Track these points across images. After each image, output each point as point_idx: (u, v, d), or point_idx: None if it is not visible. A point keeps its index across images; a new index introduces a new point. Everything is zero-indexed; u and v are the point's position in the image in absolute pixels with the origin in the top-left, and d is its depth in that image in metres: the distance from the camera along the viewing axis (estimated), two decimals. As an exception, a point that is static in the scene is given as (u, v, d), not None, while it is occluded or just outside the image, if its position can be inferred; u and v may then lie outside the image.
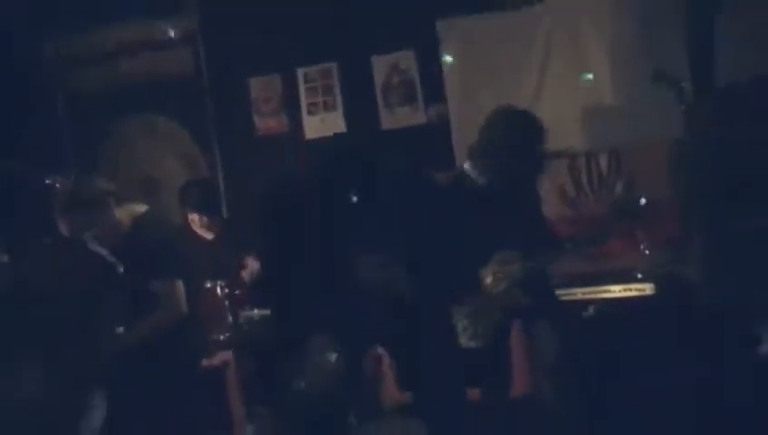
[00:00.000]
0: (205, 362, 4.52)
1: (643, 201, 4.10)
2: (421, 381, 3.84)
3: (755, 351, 4.25)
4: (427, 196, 3.98)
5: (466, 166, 3.96)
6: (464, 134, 5.20)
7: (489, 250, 3.89)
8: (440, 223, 3.84)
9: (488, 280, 3.91)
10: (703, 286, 4.56)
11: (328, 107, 5.80)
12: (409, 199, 4.04)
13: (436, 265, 3.68)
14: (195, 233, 5.06)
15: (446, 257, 3.83)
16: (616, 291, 4.66)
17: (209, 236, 5.05)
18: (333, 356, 4.06)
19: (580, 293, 4.64)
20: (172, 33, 6.00)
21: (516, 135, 3.82)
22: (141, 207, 4.20)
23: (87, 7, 5.76)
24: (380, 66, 5.67)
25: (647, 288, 4.65)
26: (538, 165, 3.96)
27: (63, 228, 4.00)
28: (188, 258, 4.32)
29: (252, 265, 5.13)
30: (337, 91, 5.79)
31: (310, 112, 5.85)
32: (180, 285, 4.04)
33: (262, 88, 5.91)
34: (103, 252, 4.13)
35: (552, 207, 5.03)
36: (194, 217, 5.03)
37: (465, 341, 3.94)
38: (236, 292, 4.87)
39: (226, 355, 4.73)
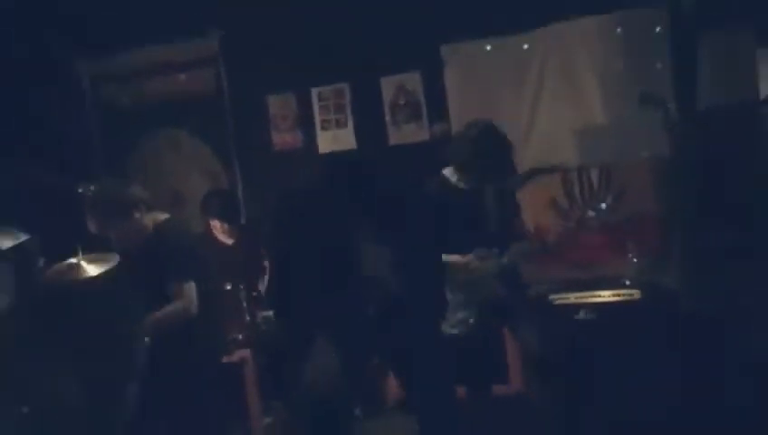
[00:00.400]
0: (224, 359, 4.62)
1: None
2: (413, 378, 3.92)
3: (729, 354, 4.34)
4: (417, 199, 4.15)
5: (446, 171, 4.26)
6: None
7: (468, 246, 4.15)
8: (428, 223, 4.02)
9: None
10: (681, 294, 4.76)
11: (340, 124, 5.96)
12: (404, 204, 4.11)
13: (426, 261, 3.89)
14: (216, 238, 5.17)
15: (435, 254, 4.05)
16: (606, 296, 4.77)
17: (229, 241, 5.16)
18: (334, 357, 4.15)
19: (573, 297, 4.75)
20: (196, 55, 6.12)
21: (484, 142, 4.15)
22: (164, 215, 4.25)
23: (119, 29, 5.86)
24: (388, 87, 5.83)
25: (634, 294, 4.74)
26: (505, 169, 4.22)
27: (91, 226, 4.05)
28: (207, 262, 4.34)
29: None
30: (348, 109, 5.94)
31: (323, 129, 6.01)
32: (192, 287, 4.04)
33: (279, 106, 6.06)
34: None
35: (545, 216, 5.24)
36: (215, 224, 5.15)
37: (446, 328, 4.14)
38: (254, 293, 4.97)
39: (244, 353, 4.84)
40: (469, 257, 4.25)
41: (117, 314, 4.24)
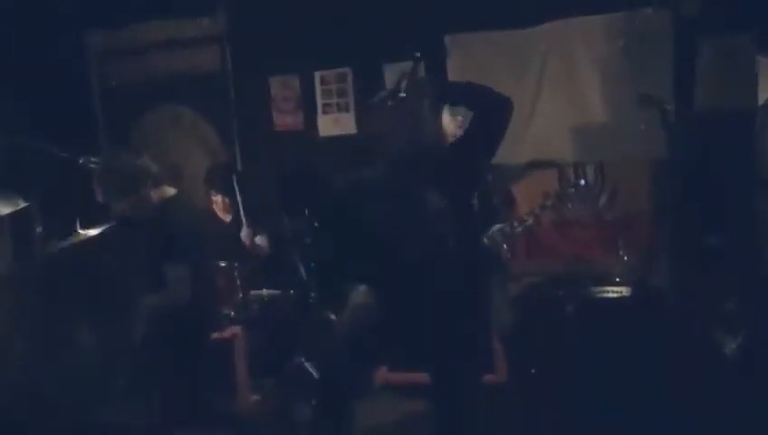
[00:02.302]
0: (215, 335, 4.68)
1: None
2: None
3: (715, 353, 4.48)
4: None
5: None
6: None
7: None
8: None
9: None
10: (669, 293, 4.86)
11: (341, 108, 5.98)
12: None
13: None
14: (215, 215, 5.30)
15: None
16: (596, 292, 4.84)
17: (228, 218, 5.28)
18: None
19: (561, 291, 4.80)
20: (202, 33, 6.15)
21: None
22: (172, 191, 4.33)
23: (126, 4, 5.94)
24: (392, 74, 5.66)
25: (623, 291, 4.82)
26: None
27: (99, 196, 4.16)
28: (208, 242, 4.43)
29: (261, 242, 5.29)
30: (350, 94, 5.97)
31: (324, 112, 6.04)
32: (187, 274, 4.11)
33: (281, 87, 6.09)
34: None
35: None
36: (217, 199, 5.28)
37: None
38: (248, 272, 5.03)
39: (236, 329, 4.91)
40: None
41: (115, 280, 4.40)
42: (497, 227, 3.78)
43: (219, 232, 5.21)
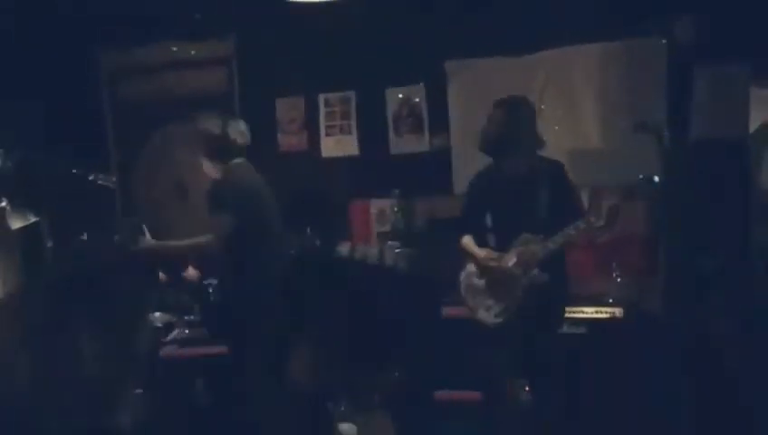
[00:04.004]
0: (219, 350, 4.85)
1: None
2: None
3: (711, 377, 4.54)
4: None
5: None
6: (463, 162, 5.52)
7: (513, 231, 4.29)
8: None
9: (512, 261, 4.29)
10: (662, 315, 4.91)
11: (344, 130, 6.07)
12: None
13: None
14: None
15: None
16: (589, 312, 4.94)
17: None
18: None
19: None
20: (211, 54, 6.26)
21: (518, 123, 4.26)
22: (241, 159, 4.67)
23: (140, 24, 5.98)
24: (393, 98, 5.97)
25: (616, 311, 4.93)
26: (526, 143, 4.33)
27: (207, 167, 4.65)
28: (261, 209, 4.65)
29: (190, 273, 5.45)
30: (353, 116, 6.06)
31: (327, 134, 6.13)
32: (227, 221, 4.44)
33: (287, 109, 6.19)
34: None
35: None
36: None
37: (490, 319, 4.32)
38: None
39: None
40: (486, 251, 4.40)
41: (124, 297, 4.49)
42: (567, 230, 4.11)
43: None
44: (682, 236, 5.07)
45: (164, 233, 6.02)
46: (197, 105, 5.93)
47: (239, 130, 4.68)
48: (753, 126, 5.08)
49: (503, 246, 4.43)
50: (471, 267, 4.56)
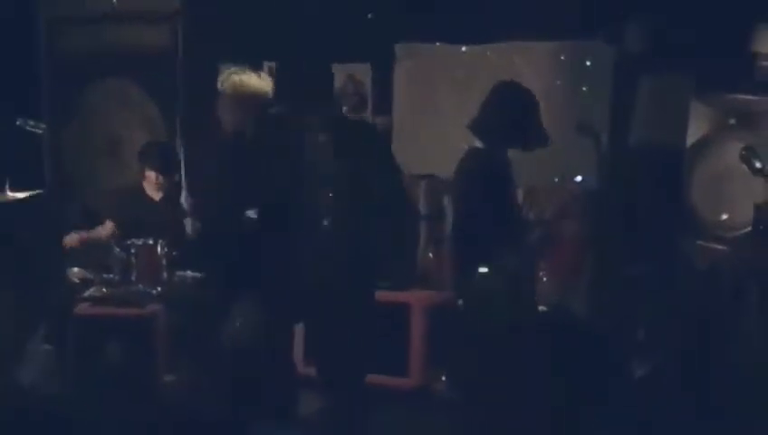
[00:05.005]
0: (136, 312, 4.89)
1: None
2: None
3: (625, 380, 4.56)
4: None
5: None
6: (404, 144, 5.54)
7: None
8: None
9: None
10: (585, 317, 4.98)
11: None
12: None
13: None
14: (145, 193, 5.32)
15: None
16: None
17: (158, 196, 5.30)
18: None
19: None
20: (156, 8, 6.08)
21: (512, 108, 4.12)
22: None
23: None
24: (339, 74, 5.92)
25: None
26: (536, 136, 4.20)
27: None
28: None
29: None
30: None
31: None
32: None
33: None
34: None
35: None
36: (150, 175, 5.29)
37: None
38: (174, 252, 5.03)
39: (157, 307, 5.00)
40: None
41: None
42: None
43: (149, 210, 5.28)
44: (606, 241, 5.05)
45: (94, 189, 6.14)
46: (139, 62, 6.15)
47: None
48: (691, 139, 5.13)
49: None
50: None
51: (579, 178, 4.53)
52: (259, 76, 4.30)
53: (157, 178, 5.29)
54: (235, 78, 4.21)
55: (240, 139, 4.25)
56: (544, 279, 5.11)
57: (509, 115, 4.12)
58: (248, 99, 4.18)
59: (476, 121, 4.17)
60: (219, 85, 4.22)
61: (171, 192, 5.18)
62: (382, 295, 4.75)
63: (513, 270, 4.06)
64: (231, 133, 4.27)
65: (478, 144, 4.18)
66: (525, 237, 4.23)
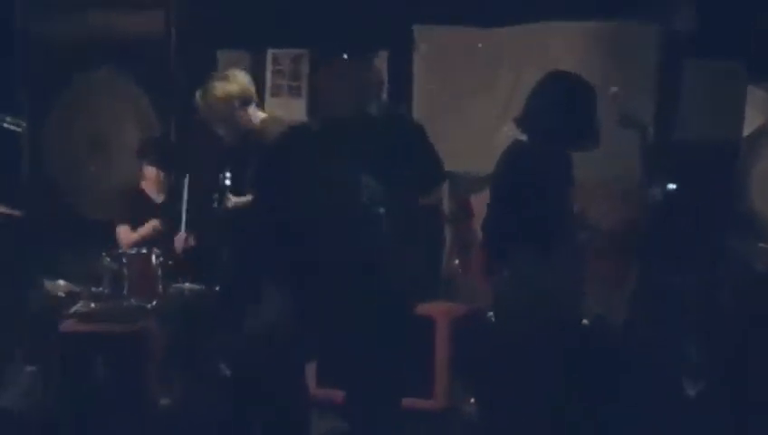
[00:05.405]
0: (124, 329, 4.72)
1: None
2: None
3: (673, 395, 4.40)
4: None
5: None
6: None
7: None
8: None
9: None
10: (629, 328, 4.80)
11: (293, 92, 5.82)
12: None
13: None
14: (144, 194, 5.17)
15: None
16: None
17: (159, 197, 5.18)
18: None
19: None
20: None
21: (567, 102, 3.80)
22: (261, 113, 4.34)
23: None
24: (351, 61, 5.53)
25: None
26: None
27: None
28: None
29: (183, 237, 5.13)
30: (304, 78, 5.80)
31: (273, 94, 5.82)
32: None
33: (229, 62, 5.71)
34: None
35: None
36: (149, 172, 5.14)
37: None
38: (170, 262, 4.90)
39: (151, 324, 4.81)
40: None
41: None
42: None
43: (149, 213, 5.14)
44: (649, 247, 4.96)
45: (76, 187, 6.07)
46: (129, 50, 5.97)
47: None
48: (748, 129, 5.02)
49: None
50: None
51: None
52: (228, 78, 4.26)
53: (157, 175, 5.17)
54: (211, 87, 4.20)
55: (250, 142, 4.20)
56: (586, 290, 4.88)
57: (562, 110, 3.79)
58: (231, 101, 4.17)
59: (523, 113, 3.89)
60: (198, 99, 4.24)
61: (173, 191, 5.11)
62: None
63: (554, 279, 3.76)
64: (240, 139, 4.24)
65: (522, 137, 3.90)
66: (570, 242, 3.93)
